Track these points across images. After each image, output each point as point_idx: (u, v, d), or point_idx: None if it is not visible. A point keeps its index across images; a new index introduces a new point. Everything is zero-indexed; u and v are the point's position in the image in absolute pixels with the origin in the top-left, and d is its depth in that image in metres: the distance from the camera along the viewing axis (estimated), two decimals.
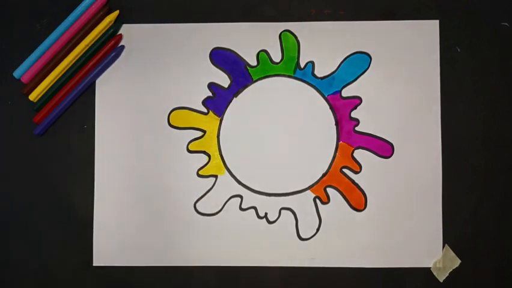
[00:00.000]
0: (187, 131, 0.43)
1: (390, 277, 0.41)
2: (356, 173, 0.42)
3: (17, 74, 0.43)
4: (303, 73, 0.43)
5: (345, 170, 0.42)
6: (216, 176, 0.42)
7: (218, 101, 0.43)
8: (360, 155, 0.42)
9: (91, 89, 0.43)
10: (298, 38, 0.43)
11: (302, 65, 0.43)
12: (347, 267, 0.42)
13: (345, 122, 0.42)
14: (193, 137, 0.43)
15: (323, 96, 0.43)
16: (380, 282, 0.41)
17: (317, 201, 0.42)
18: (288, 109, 0.43)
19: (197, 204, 0.42)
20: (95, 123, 0.43)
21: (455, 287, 0.41)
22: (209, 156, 0.43)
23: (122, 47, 0.43)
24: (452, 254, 0.41)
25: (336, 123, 0.42)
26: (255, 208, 0.42)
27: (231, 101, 0.43)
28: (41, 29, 0.43)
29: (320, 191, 0.42)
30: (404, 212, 0.42)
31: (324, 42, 0.43)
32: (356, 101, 0.42)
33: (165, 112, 0.43)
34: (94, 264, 0.42)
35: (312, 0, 0.43)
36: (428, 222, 0.41)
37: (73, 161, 0.43)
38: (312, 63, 0.43)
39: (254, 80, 0.43)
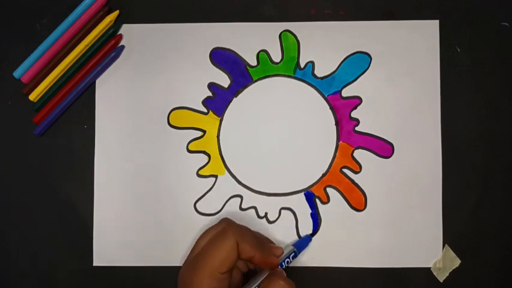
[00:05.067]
0: (187, 131, 0.43)
1: (390, 277, 0.41)
2: (356, 173, 0.42)
3: (17, 74, 0.43)
4: (303, 73, 0.43)
5: (345, 170, 0.42)
6: (216, 176, 0.42)
7: (218, 101, 0.43)
8: (360, 155, 0.42)
9: (91, 89, 0.43)
10: (298, 38, 0.43)
11: (302, 65, 0.43)
12: (347, 267, 0.42)
13: (345, 122, 0.42)
14: (193, 137, 0.43)
15: (323, 96, 0.43)
16: (380, 282, 0.41)
17: (317, 201, 0.42)
18: (288, 109, 0.43)
19: (197, 204, 0.42)
20: (95, 123, 0.43)
21: (455, 287, 0.41)
22: (209, 156, 0.43)
23: (122, 47, 0.43)
24: (452, 254, 0.41)
25: (336, 123, 0.42)
26: (255, 208, 0.42)
27: (231, 101, 0.43)
28: (41, 29, 0.43)
29: (319, 191, 0.42)
30: (404, 212, 0.42)
31: (324, 42, 0.43)
32: (356, 101, 0.42)
33: (165, 112, 0.43)
34: (94, 264, 0.42)
35: (312, 0, 0.43)
36: (428, 222, 0.41)
37: (73, 161, 0.43)
38: (312, 63, 0.43)
39: (254, 80, 0.43)
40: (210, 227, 0.38)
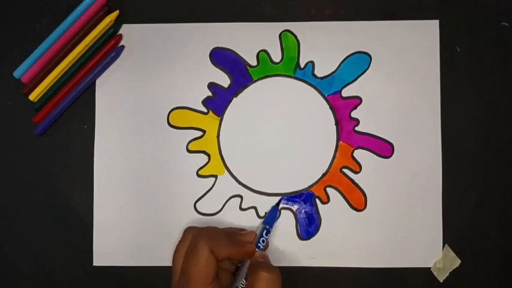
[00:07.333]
0: (187, 131, 0.43)
1: (390, 277, 0.41)
2: (356, 173, 0.42)
3: (17, 74, 0.43)
4: (303, 73, 0.43)
5: (345, 170, 0.42)
6: (215, 176, 0.42)
7: (218, 101, 0.43)
8: (360, 155, 0.42)
9: (91, 89, 0.43)
10: (298, 38, 0.43)
11: (302, 65, 0.43)
12: (347, 267, 0.42)
13: (345, 122, 0.42)
14: (193, 137, 0.43)
15: (323, 96, 0.43)
16: (380, 282, 0.41)
17: (317, 201, 0.42)
18: (288, 109, 0.43)
19: (197, 204, 0.42)
20: (95, 123, 0.43)
21: (455, 287, 0.41)
22: (209, 156, 0.43)
23: (122, 47, 0.43)
24: (452, 254, 0.41)
25: (336, 123, 0.42)
26: (255, 208, 0.42)
27: (230, 101, 0.43)
28: (41, 29, 0.43)
29: (319, 191, 0.42)
30: (404, 212, 0.42)
31: (324, 42, 0.43)
32: (356, 101, 0.42)
33: (165, 112, 0.43)
34: (94, 264, 0.42)
35: (312, 0, 0.43)
36: (428, 222, 0.41)
37: (72, 161, 0.43)
38: (312, 63, 0.43)
39: (254, 80, 0.43)
40: (177, 245, 0.36)
